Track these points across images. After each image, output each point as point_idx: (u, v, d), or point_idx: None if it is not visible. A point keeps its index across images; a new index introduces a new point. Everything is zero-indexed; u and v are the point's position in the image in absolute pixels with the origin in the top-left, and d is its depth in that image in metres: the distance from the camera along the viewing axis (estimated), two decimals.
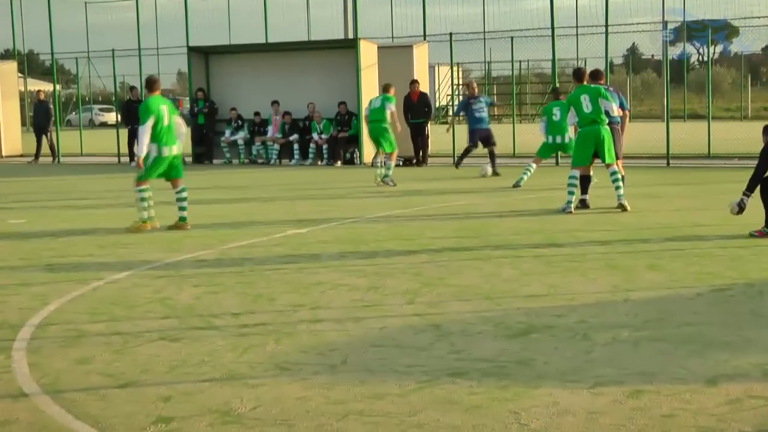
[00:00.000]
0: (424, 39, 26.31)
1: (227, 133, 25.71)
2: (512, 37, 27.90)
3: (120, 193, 17.19)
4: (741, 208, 10.73)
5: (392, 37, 33.28)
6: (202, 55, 26.37)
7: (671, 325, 6.72)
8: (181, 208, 12.26)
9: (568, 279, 8.48)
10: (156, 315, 7.39)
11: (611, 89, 13.92)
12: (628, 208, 13.03)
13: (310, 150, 24.57)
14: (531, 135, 29.22)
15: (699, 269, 8.86)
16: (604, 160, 13.23)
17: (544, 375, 5.57)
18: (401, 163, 22.88)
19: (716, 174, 16.57)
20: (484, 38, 29.09)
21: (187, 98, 30.00)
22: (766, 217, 10.58)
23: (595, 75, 13.80)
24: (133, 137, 25.78)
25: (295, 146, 24.86)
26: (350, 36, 27.13)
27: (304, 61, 25.17)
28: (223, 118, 25.80)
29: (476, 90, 21.17)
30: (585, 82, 13.46)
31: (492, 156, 20.10)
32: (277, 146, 25.13)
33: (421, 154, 23.25)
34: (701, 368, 5.63)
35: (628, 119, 14.04)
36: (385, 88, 19.12)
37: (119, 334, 6.76)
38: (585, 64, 49.03)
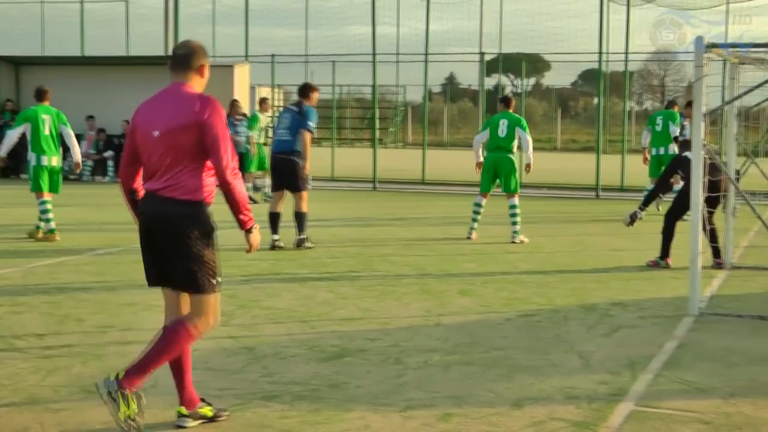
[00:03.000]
0: (246, 59, 26.23)
1: None
2: (334, 62, 28.18)
3: None
4: (633, 220, 11.02)
5: (213, 56, 33.00)
6: (12, 65, 25.36)
7: (480, 350, 6.88)
8: (47, 220, 12.42)
9: (383, 303, 8.58)
10: None
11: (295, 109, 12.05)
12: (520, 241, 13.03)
13: None
14: (349, 159, 29.51)
15: (508, 295, 9.13)
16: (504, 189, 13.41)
17: (356, 398, 5.60)
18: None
19: (529, 203, 17.10)
20: (306, 61, 29.23)
21: None
22: (661, 247, 10.91)
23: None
24: None
25: (110, 163, 24.23)
26: (171, 53, 26.69)
27: (122, 76, 24.60)
28: None
29: (240, 109, 19.79)
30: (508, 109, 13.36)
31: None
32: (90, 162, 24.42)
33: None
34: (508, 392, 5.79)
35: (309, 141, 11.84)
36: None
37: None
38: (405, 91, 50.19)
